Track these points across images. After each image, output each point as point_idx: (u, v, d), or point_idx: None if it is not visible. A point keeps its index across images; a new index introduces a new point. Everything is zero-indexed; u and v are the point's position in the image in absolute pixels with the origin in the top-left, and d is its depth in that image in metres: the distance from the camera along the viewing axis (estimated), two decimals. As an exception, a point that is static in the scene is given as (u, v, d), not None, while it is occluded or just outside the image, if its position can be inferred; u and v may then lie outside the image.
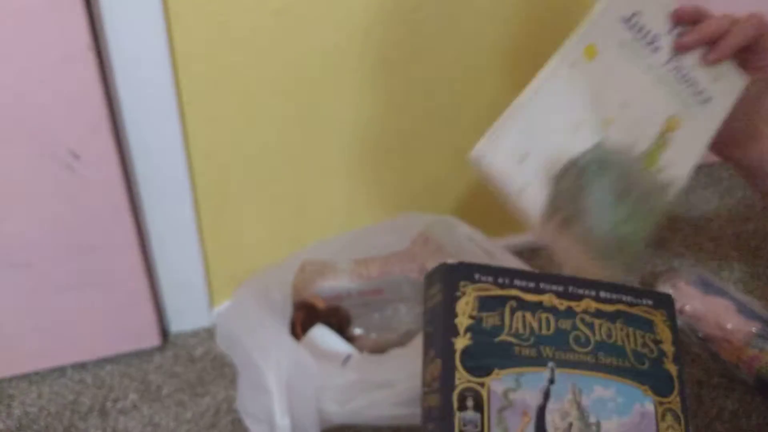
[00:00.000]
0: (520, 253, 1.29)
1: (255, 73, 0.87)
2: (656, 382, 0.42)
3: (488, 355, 0.40)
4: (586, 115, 0.47)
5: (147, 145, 0.86)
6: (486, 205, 1.22)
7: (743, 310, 1.08)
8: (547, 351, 0.41)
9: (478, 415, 0.38)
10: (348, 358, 0.89)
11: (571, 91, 0.47)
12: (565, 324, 0.42)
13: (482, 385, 0.38)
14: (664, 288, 1.15)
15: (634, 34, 0.51)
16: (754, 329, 1.04)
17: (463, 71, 1.00)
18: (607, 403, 0.40)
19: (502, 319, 0.41)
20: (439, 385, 0.38)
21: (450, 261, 0.43)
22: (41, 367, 1.00)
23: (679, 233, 1.40)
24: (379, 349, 0.95)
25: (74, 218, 0.86)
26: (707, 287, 1.14)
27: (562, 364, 0.41)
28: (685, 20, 0.52)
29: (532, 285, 0.43)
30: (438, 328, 0.41)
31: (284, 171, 0.98)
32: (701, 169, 1.61)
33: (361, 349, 0.94)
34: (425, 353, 0.42)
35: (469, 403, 0.38)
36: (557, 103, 0.47)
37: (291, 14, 0.83)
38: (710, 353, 1.07)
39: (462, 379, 0.38)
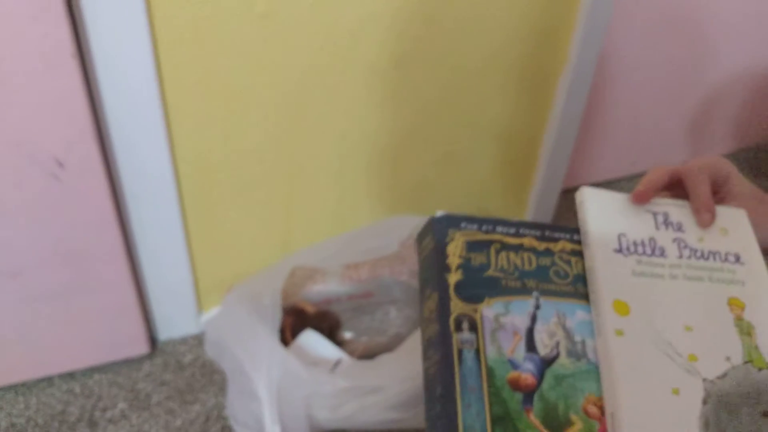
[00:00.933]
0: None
1: (241, 78, 0.86)
2: None
3: (478, 287, 0.43)
4: (671, 371, 0.43)
5: (132, 152, 0.85)
6: (472, 205, 1.23)
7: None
8: (531, 283, 0.44)
9: (474, 335, 0.41)
10: (338, 363, 0.88)
11: (642, 357, 0.43)
12: (545, 261, 0.46)
13: (475, 311, 0.42)
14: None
15: (637, 255, 0.48)
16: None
17: (451, 74, 1.00)
18: (590, 325, 0.44)
19: (488, 258, 0.45)
20: (436, 315, 0.42)
21: (438, 213, 0.47)
22: (28, 377, 0.99)
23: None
24: (370, 353, 0.95)
25: (60, 227, 0.85)
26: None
27: (546, 293, 0.44)
28: (648, 195, 0.50)
29: (512, 231, 0.47)
30: (432, 268, 0.45)
31: (271, 176, 0.98)
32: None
33: (351, 352, 0.94)
34: (421, 293, 0.46)
35: (465, 325, 0.42)
36: (638, 379, 0.42)
37: (276, 18, 0.83)
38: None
39: (456, 306, 0.42)
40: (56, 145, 0.77)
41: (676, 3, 1.29)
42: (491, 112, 1.09)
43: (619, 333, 0.43)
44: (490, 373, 0.40)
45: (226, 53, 0.83)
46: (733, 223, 0.51)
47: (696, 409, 0.41)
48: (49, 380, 1.00)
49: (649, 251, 0.48)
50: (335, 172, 1.03)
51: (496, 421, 0.39)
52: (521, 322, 0.43)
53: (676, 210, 0.51)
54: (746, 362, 0.44)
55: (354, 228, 1.06)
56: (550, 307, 0.44)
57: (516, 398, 0.40)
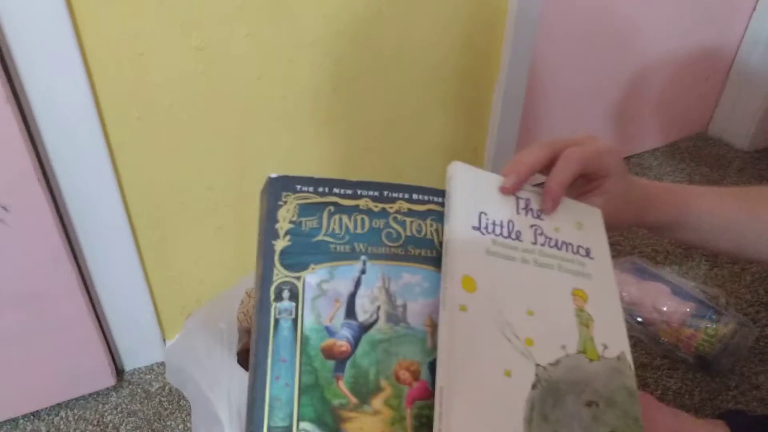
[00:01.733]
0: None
1: (182, 111, 0.88)
2: None
3: (305, 253, 0.43)
4: (507, 352, 0.42)
5: (80, 191, 0.86)
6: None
7: (678, 291, 1.14)
8: (361, 247, 0.44)
9: (293, 304, 0.41)
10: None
11: (480, 335, 0.42)
12: (379, 223, 0.46)
13: (298, 278, 0.42)
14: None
15: (493, 236, 0.47)
16: (688, 309, 1.10)
17: (391, 93, 1.04)
18: (414, 287, 0.44)
19: (320, 222, 0.45)
20: (259, 283, 0.42)
21: (273, 175, 0.47)
22: (-8, 421, 0.98)
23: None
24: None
25: (12, 269, 0.86)
26: (642, 273, 1.19)
27: (374, 257, 0.44)
28: (517, 187, 0.50)
29: (349, 192, 0.46)
30: (261, 234, 0.45)
31: (221, 203, 1.00)
32: (631, 159, 1.69)
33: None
34: (257, 261, 0.45)
35: (285, 294, 0.41)
36: (473, 356, 0.41)
37: (212, 51, 0.85)
38: (650, 336, 1.12)
39: (279, 274, 0.42)
40: None
41: (599, 11, 1.35)
42: (433, 126, 1.12)
43: (463, 308, 0.43)
44: (305, 342, 0.40)
45: (165, 87, 0.85)
46: (589, 220, 0.52)
47: (524, 393, 0.41)
48: (13, 422, 1.00)
49: (506, 233, 0.48)
50: (286, 193, 1.05)
51: (304, 390, 0.39)
52: (344, 287, 0.43)
53: (538, 198, 0.51)
54: (579, 352, 0.45)
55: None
56: (376, 271, 0.44)
57: (327, 366, 0.40)
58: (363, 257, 0.44)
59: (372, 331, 0.42)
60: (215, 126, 0.92)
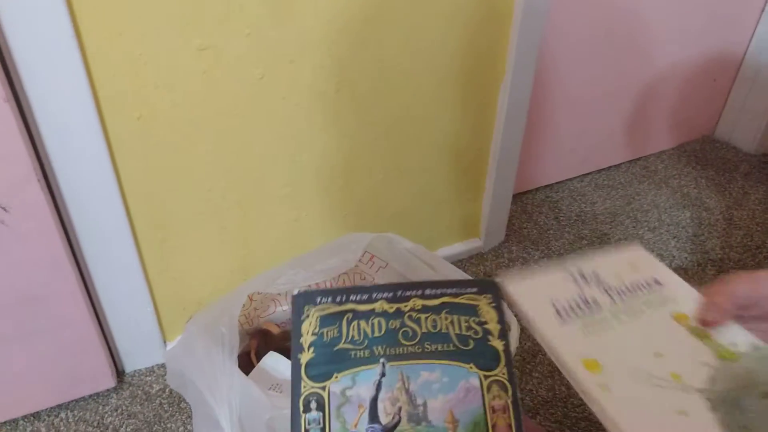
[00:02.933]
0: (459, 260, 1.33)
1: (185, 111, 0.87)
2: (481, 359, 0.47)
3: (328, 363, 0.47)
4: (666, 396, 0.45)
5: (80, 192, 0.86)
6: (426, 216, 1.25)
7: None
8: (379, 350, 0.47)
9: (320, 414, 0.44)
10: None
11: (635, 398, 0.45)
12: (395, 324, 0.48)
13: (323, 388, 0.45)
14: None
15: (577, 317, 0.51)
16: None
17: (395, 93, 1.03)
18: (432, 384, 0.46)
19: (340, 331, 0.48)
20: (291, 395, 0.46)
21: (295, 291, 0.52)
22: (-9, 422, 0.98)
23: (618, 227, 1.45)
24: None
25: (12, 271, 0.85)
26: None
27: (392, 358, 0.47)
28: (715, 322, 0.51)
29: (365, 296, 0.50)
30: (291, 348, 0.48)
31: (223, 204, 0.99)
32: (637, 162, 1.68)
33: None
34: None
35: (313, 405, 0.45)
36: (642, 418, 0.44)
37: (215, 51, 0.84)
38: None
39: (306, 386, 0.45)
40: (-1, 190, 0.78)
41: (606, 12, 1.34)
42: (438, 127, 1.12)
43: (604, 388, 0.45)
44: None
45: (167, 87, 0.84)
46: (636, 257, 0.56)
47: (708, 419, 0.43)
48: (12, 423, 0.99)
49: (585, 308, 0.51)
50: (288, 195, 1.04)
51: None
52: (367, 392, 0.45)
53: (586, 264, 0.55)
54: (720, 360, 0.47)
55: (312, 247, 1.08)
56: (395, 372, 0.46)
57: None
58: (382, 360, 0.47)
59: None
60: (217, 127, 0.91)
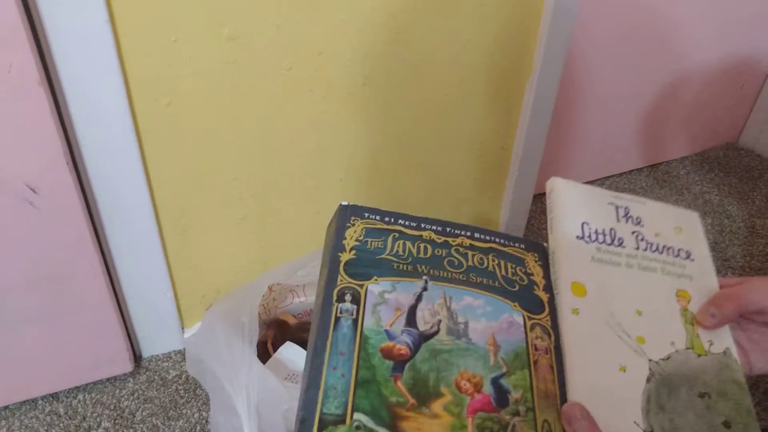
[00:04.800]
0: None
1: (212, 100, 0.87)
2: (526, 302, 0.46)
3: (370, 267, 0.45)
4: (620, 349, 0.46)
5: (107, 175, 0.86)
6: (447, 213, 1.25)
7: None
8: (423, 268, 0.46)
9: (354, 307, 0.43)
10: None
11: (594, 335, 0.46)
12: (441, 252, 0.47)
13: (361, 286, 0.44)
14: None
15: (597, 243, 0.51)
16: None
17: (420, 89, 1.02)
18: (476, 309, 0.44)
19: (385, 244, 0.46)
20: (323, 288, 0.44)
21: (344, 202, 0.49)
22: (11, 401, 0.99)
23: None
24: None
25: (37, 251, 0.86)
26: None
27: (436, 279, 0.45)
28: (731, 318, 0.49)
29: (414, 224, 0.49)
30: (328, 248, 0.47)
31: (246, 194, 0.99)
32: (658, 167, 1.66)
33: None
34: (320, 272, 0.47)
35: (347, 297, 0.43)
36: (590, 355, 0.45)
37: (244, 41, 0.84)
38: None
39: (343, 281, 0.44)
40: (29, 172, 0.78)
41: (638, 12, 1.32)
42: (462, 123, 1.11)
43: (575, 312, 0.46)
44: (365, 340, 0.41)
45: (196, 76, 0.85)
46: (688, 224, 0.55)
47: (640, 386, 0.44)
48: (32, 402, 1.00)
49: (609, 240, 0.51)
50: (310, 188, 1.04)
51: (361, 383, 0.39)
52: (406, 299, 0.44)
53: (637, 206, 0.54)
54: (688, 348, 0.48)
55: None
56: (438, 290, 0.45)
57: (386, 365, 0.41)
58: (425, 276, 0.45)
59: (432, 341, 0.42)
60: (243, 116, 0.91)
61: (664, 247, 0.53)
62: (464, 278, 0.46)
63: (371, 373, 0.40)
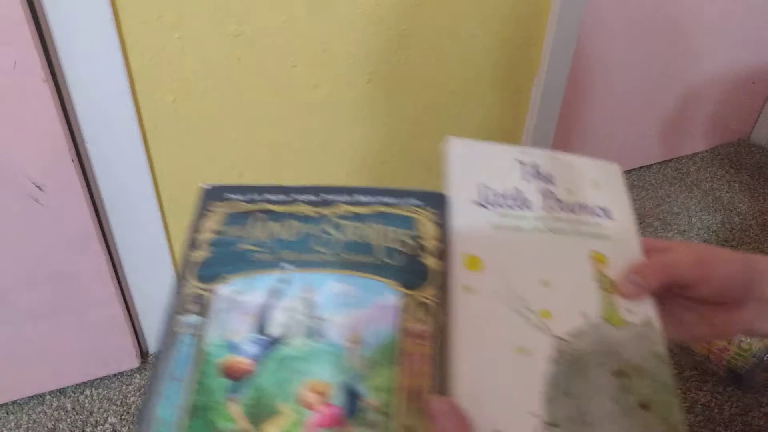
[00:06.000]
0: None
1: (217, 97, 0.87)
2: (408, 276, 0.40)
3: (223, 264, 0.40)
4: (519, 328, 0.39)
5: (112, 173, 0.87)
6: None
7: (712, 302, 1.10)
8: (286, 254, 0.40)
9: (199, 318, 0.38)
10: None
11: (490, 315, 0.39)
12: (312, 229, 0.42)
13: (209, 291, 0.39)
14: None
15: (499, 208, 0.44)
16: (722, 321, 1.06)
17: (426, 85, 1.02)
18: (340, 298, 0.39)
19: (246, 231, 0.41)
20: (172, 295, 0.39)
21: (204, 185, 0.44)
22: (19, 396, 1.00)
23: (648, 228, 1.42)
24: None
25: (44, 247, 0.86)
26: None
27: (301, 265, 0.40)
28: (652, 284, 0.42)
29: (284, 197, 0.43)
30: (185, 245, 0.42)
31: (252, 190, 0.99)
32: (669, 163, 1.64)
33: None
34: None
35: (192, 307, 0.38)
36: (481, 338, 0.38)
37: (249, 38, 0.84)
38: (681, 347, 1.09)
39: (190, 286, 0.39)
40: (34, 168, 0.79)
41: (651, 5, 1.31)
42: (468, 119, 1.10)
43: (468, 289, 0.40)
44: (205, 359, 0.36)
45: (201, 72, 0.85)
46: (607, 178, 0.48)
47: (541, 369, 0.38)
48: (40, 397, 1.01)
49: (512, 203, 0.45)
50: (317, 183, 1.04)
51: (194, 412, 0.35)
52: (260, 299, 0.39)
53: (548, 161, 0.47)
54: (602, 319, 0.41)
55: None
56: (300, 280, 0.39)
57: (223, 386, 0.36)
58: (286, 266, 0.40)
59: (282, 347, 0.37)
60: (249, 113, 0.91)
61: (578, 205, 0.46)
62: (334, 258, 0.40)
63: (206, 398, 0.35)
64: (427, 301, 0.39)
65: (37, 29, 0.72)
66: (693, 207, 1.49)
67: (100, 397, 1.02)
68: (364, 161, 1.06)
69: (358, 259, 0.40)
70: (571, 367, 0.38)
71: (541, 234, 0.44)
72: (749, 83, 1.62)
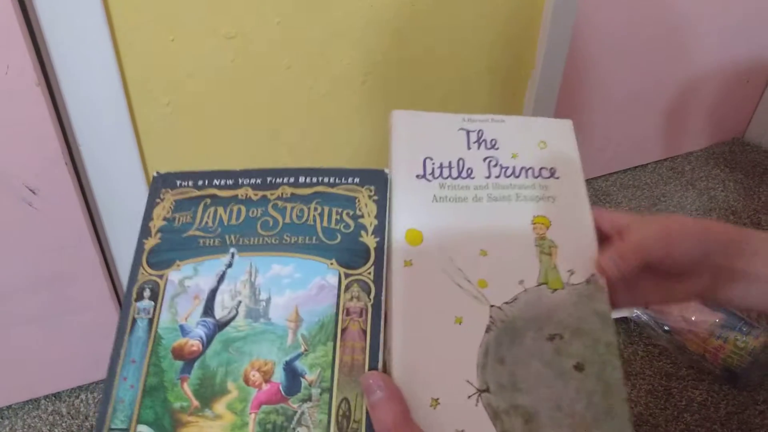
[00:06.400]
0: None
1: (212, 99, 0.87)
2: (347, 255, 0.42)
3: (173, 250, 0.42)
4: (457, 299, 0.39)
5: (106, 176, 0.86)
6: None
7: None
8: (232, 238, 0.42)
9: (152, 303, 0.41)
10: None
11: (428, 287, 0.40)
12: (256, 212, 0.44)
13: (161, 277, 0.41)
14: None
15: (441, 179, 0.44)
16: (717, 320, 1.07)
17: (421, 85, 1.02)
18: (282, 279, 0.41)
19: (194, 217, 0.43)
20: (127, 283, 0.42)
21: (155, 172, 0.46)
22: (14, 400, 0.99)
23: (644, 228, 1.42)
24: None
25: (37, 251, 0.86)
26: (671, 281, 1.16)
27: (245, 249, 0.42)
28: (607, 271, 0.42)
29: (230, 182, 0.45)
30: (139, 233, 0.44)
31: (247, 192, 0.99)
32: (663, 163, 1.65)
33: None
34: None
35: (146, 293, 0.41)
36: (420, 311, 0.39)
37: (244, 39, 0.84)
38: (677, 346, 1.09)
39: (144, 274, 0.42)
40: (28, 172, 0.78)
41: (644, 3, 1.31)
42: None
43: (408, 263, 0.40)
44: (158, 342, 0.39)
45: (195, 75, 0.84)
46: (556, 136, 0.47)
47: (478, 338, 0.38)
48: (35, 402, 1.01)
49: (455, 174, 0.44)
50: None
51: (148, 392, 0.38)
52: (207, 283, 0.41)
53: (493, 126, 0.47)
54: (540, 284, 0.41)
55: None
56: (244, 264, 0.42)
57: (175, 367, 0.38)
58: (232, 250, 0.42)
59: (228, 329, 0.40)
60: (244, 115, 0.91)
61: (522, 169, 0.45)
62: (277, 241, 0.42)
63: (159, 378, 0.38)
64: (366, 280, 0.41)
65: (29, 33, 0.72)
66: (688, 206, 1.49)
67: (96, 401, 1.02)
68: (361, 162, 1.06)
69: (298, 240, 0.42)
70: (505, 335, 0.39)
71: (481, 203, 0.44)
72: (743, 82, 1.62)
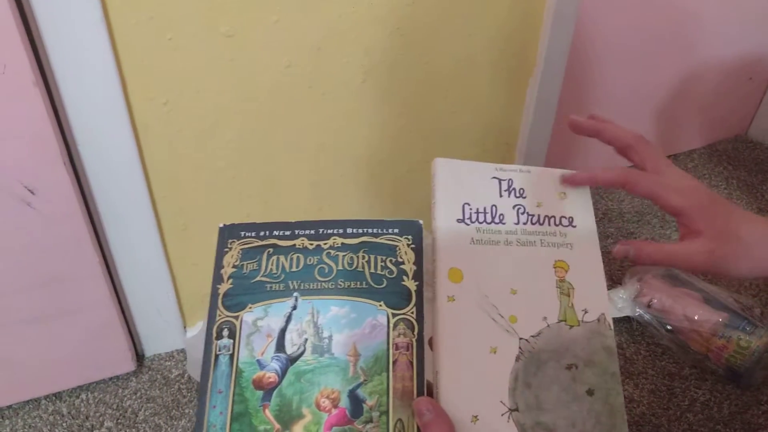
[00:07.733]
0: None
1: (210, 98, 0.87)
2: (393, 297, 0.48)
3: (244, 294, 0.48)
4: (493, 332, 0.46)
5: (105, 175, 0.86)
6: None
7: (710, 300, 1.10)
8: (294, 284, 0.49)
9: (231, 341, 0.46)
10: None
11: (468, 320, 0.46)
12: (313, 260, 0.50)
13: (237, 318, 0.47)
14: (632, 282, 1.17)
15: (477, 224, 0.50)
16: (720, 319, 1.06)
17: (421, 83, 1.01)
18: (340, 319, 0.47)
19: (260, 264, 0.49)
20: (206, 323, 0.47)
21: (221, 225, 0.52)
22: (15, 400, 0.99)
23: (646, 226, 1.42)
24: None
25: (36, 252, 0.86)
26: (674, 280, 1.16)
27: (306, 293, 0.48)
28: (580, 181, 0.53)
29: (287, 233, 0.51)
30: (212, 279, 0.51)
31: (247, 192, 0.99)
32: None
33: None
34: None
35: (225, 333, 0.47)
36: (462, 340, 0.46)
37: (241, 38, 0.84)
38: (679, 345, 1.09)
39: (221, 315, 0.47)
40: (26, 172, 0.78)
41: (644, 5, 1.30)
42: (465, 120, 1.10)
43: (451, 299, 0.47)
44: (239, 375, 0.45)
45: (194, 74, 0.84)
46: (573, 188, 0.54)
47: (509, 366, 0.45)
48: (35, 402, 1.01)
49: (489, 219, 0.50)
50: (313, 184, 1.04)
51: (235, 418, 0.44)
52: (277, 323, 0.47)
53: (520, 176, 0.53)
54: (560, 321, 0.48)
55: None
56: (307, 306, 0.48)
57: (257, 396, 0.44)
58: (295, 294, 0.48)
59: (299, 363, 0.46)
60: (242, 115, 0.90)
61: (545, 217, 0.52)
62: (332, 286, 0.49)
63: (244, 406, 0.44)
64: (410, 318, 0.48)
65: (26, 32, 0.72)
66: (691, 204, 1.48)
67: (96, 401, 1.02)
68: (360, 161, 1.05)
69: (351, 285, 0.49)
70: (531, 363, 0.46)
71: (511, 247, 0.50)
72: (746, 79, 1.61)
